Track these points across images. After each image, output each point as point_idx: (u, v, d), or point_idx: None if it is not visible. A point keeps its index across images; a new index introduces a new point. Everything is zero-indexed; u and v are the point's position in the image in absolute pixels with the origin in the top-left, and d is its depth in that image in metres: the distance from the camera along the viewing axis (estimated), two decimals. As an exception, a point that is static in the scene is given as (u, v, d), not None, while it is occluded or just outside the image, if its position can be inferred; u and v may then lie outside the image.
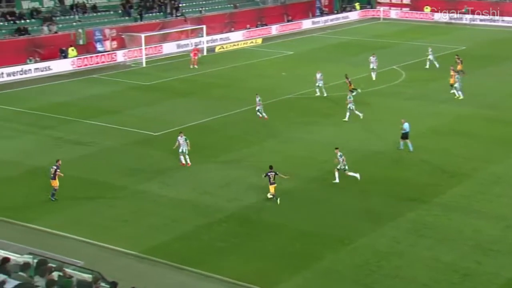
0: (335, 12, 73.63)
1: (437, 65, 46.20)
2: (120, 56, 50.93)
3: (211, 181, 26.77)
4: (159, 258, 20.53)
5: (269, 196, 24.59)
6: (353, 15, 73.78)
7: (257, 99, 34.90)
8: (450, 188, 26.09)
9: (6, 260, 13.41)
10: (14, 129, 33.72)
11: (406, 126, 30.35)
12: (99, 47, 51.02)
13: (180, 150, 28.31)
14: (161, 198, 25.11)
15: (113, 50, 51.05)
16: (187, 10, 60.32)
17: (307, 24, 68.07)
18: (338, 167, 26.43)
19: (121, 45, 52.15)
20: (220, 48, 56.18)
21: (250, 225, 22.92)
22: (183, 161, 28.15)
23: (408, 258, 20.75)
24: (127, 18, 55.58)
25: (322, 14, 71.38)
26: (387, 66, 48.26)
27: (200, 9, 61.57)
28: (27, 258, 14.00)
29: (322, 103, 38.78)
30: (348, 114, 34.46)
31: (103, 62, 49.82)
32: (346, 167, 26.47)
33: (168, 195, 25.35)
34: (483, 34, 62.89)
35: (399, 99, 39.72)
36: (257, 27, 63.60)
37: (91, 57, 49.27)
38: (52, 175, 24.77)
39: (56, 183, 24.62)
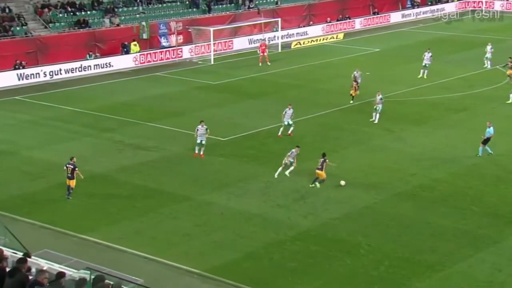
0: (429, 3, 72.26)
1: (489, 66, 45.87)
2: (186, 52, 51.80)
3: (285, 193, 26.78)
4: (225, 278, 20.68)
5: (317, 184, 26.92)
6: (450, 7, 72.18)
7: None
8: None
9: (61, 275, 13.84)
10: (71, 130, 34.89)
11: (490, 130, 29.87)
12: (163, 42, 52.01)
13: (199, 141, 29.49)
14: (229, 210, 25.33)
15: (178, 46, 51.95)
16: (261, 1, 60.72)
17: (396, 17, 67.15)
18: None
19: (188, 40, 52.99)
20: (296, 44, 56.23)
21: (326, 243, 22.78)
22: (197, 151, 29.44)
23: (511, 289, 20.05)
24: (195, 10, 56.52)
25: (413, 5, 70.21)
26: (492, 65, 46.90)
27: (276, 0, 61.85)
28: (83, 274, 14.38)
29: (411, 108, 38.13)
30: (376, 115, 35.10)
31: (167, 58, 50.82)
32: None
33: (236, 208, 25.54)
34: None
35: (502, 103, 38.51)
36: (338, 20, 63.25)
37: (154, 53, 50.34)
38: (69, 174, 25.38)
39: (73, 182, 25.39)
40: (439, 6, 71.91)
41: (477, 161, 29.79)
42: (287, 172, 28.14)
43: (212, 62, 50.32)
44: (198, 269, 21.18)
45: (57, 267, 15.34)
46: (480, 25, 63.41)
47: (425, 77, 43.04)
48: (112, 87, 43.75)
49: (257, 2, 60.06)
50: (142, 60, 49.46)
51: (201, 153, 30.04)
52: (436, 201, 25.95)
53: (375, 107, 35.41)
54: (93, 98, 40.82)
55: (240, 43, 54.88)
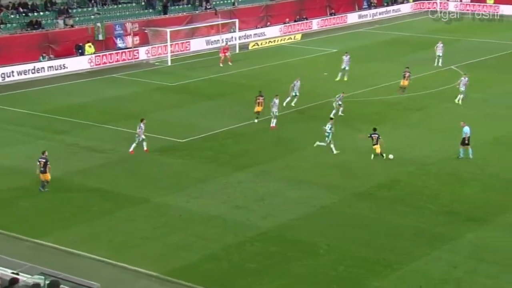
0: (385, 4, 73.28)
1: (440, 64, 47.00)
2: (143, 53, 51.53)
3: (244, 194, 26.85)
4: (183, 280, 20.62)
5: (372, 157, 29.67)
6: (406, 8, 73.37)
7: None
8: (517, 206, 25.66)
9: (14, 281, 13.60)
10: (25, 133, 34.35)
11: (466, 130, 30.12)
12: (119, 43, 51.68)
13: (139, 139, 30.43)
14: (187, 212, 25.26)
15: (135, 47, 51.65)
16: (218, 2, 60.74)
17: (352, 18, 67.94)
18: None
19: (144, 41, 52.73)
20: (254, 45, 56.41)
21: (285, 244, 22.89)
22: (132, 149, 30.63)
23: (466, 286, 20.43)
24: (151, 10, 56.26)
25: (370, 6, 71.12)
26: (445, 66, 47.79)
27: (233, 0, 61.93)
28: (37, 279, 14.17)
29: (370, 108, 38.59)
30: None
31: (124, 60, 50.47)
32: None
33: (195, 209, 25.49)
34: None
35: (455, 103, 39.23)
36: (296, 21, 63.68)
37: (110, 54, 50.00)
38: (42, 168, 25.84)
39: (47, 176, 25.88)
40: (395, 6, 72.99)
41: (434, 160, 30.31)
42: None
43: (169, 63, 50.13)
44: (156, 271, 21.07)
45: (9, 273, 15.08)
46: (435, 26, 64.57)
47: (342, 79, 43.39)
48: (66, 89, 43.23)
49: (214, 3, 60.11)
50: (98, 61, 49.01)
51: (145, 148, 30.93)
52: (394, 200, 26.31)
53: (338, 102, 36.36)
54: (47, 100, 40.28)
55: (198, 44, 54.85)
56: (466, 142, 30.15)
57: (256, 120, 35.56)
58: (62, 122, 35.98)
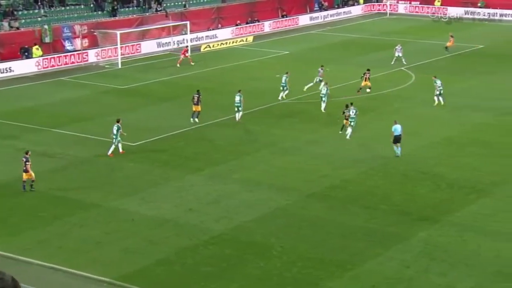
0: (336, 6, 74.14)
1: (404, 62, 48.67)
2: (92, 56, 50.99)
3: (197, 197, 26.82)
4: (136, 285, 20.51)
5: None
6: (356, 10, 74.33)
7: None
8: (467, 205, 26.28)
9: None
10: (-29, 138, 33.65)
11: (396, 128, 30.97)
12: (68, 45, 51.07)
13: (118, 140, 30.63)
14: (140, 216, 25.11)
15: (84, 49, 51.08)
16: (169, 4, 60.55)
17: (304, 20, 68.51)
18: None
19: (94, 44, 52.19)
20: (206, 47, 56.39)
21: (240, 247, 22.97)
22: (111, 152, 30.82)
23: (418, 285, 20.84)
24: (99, 12, 55.73)
25: (321, 9, 71.86)
26: (395, 68, 48.64)
27: (184, 2, 61.80)
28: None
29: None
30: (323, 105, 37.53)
31: (72, 62, 49.85)
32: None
33: (147, 214, 25.36)
34: (504, 31, 63.53)
35: (408, 104, 40.01)
36: (247, 23, 63.91)
37: (58, 57, 49.33)
38: (24, 168, 26.54)
39: (30, 175, 26.60)
40: (346, 9, 73.89)
41: (385, 161, 30.80)
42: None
43: (120, 66, 49.73)
44: (108, 277, 20.89)
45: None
46: (385, 28, 65.61)
47: (284, 97, 42.10)
48: (13, 93, 42.47)
49: (165, 5, 59.85)
50: (46, 64, 48.30)
51: (120, 150, 31.24)
52: (347, 201, 26.64)
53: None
54: (-7, 104, 39.52)
55: (149, 46, 54.55)
56: (398, 140, 30.85)
57: (196, 120, 35.81)
58: (9, 127, 35.36)
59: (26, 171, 26.75)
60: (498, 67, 49.59)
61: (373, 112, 38.45)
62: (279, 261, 22.00)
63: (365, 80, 41.52)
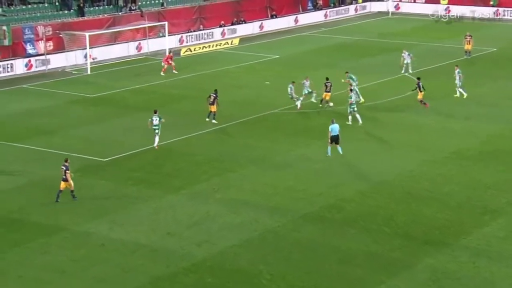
0: (332, 5, 74.56)
1: (410, 70, 48.54)
2: (58, 61, 50.93)
3: (177, 219, 26.75)
4: (107, 319, 20.38)
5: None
6: (355, 9, 74.75)
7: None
8: (479, 227, 26.34)
9: None
10: None
11: (333, 127, 32.89)
12: (29, 49, 51.03)
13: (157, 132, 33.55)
14: (111, 241, 25.00)
15: (48, 53, 51.04)
16: (144, 3, 60.67)
17: (296, 20, 68.78)
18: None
19: (59, 47, 52.20)
20: (186, 51, 56.51)
21: (224, 275, 22.90)
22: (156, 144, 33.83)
23: (427, 316, 20.83)
24: (66, 12, 55.75)
25: (315, 8, 72.25)
26: (398, 73, 48.89)
27: (162, 1, 61.95)
28: None
29: (317, 120, 39.05)
30: (350, 117, 37.73)
31: (35, 68, 49.76)
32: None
33: (120, 238, 25.26)
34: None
35: (413, 114, 40.17)
36: (233, 24, 64.14)
37: (19, 61, 49.16)
38: (63, 177, 27.84)
39: (69, 184, 27.87)
40: (343, 7, 74.29)
41: (387, 177, 30.86)
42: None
43: (89, 72, 49.72)
44: (75, 310, 20.76)
45: None
46: (386, 29, 65.97)
47: (314, 101, 42.84)
48: (-32, 102, 42.39)
49: (140, 3, 59.92)
50: (4, 70, 48.20)
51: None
52: (345, 222, 26.63)
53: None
54: None
55: (122, 50, 54.61)
56: (336, 140, 32.84)
57: (214, 121, 37.78)
58: (-37, 141, 35.23)
59: (65, 180, 27.85)
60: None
61: (373, 123, 38.58)
62: (268, 291, 21.94)
63: (326, 91, 40.77)
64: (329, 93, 40.73)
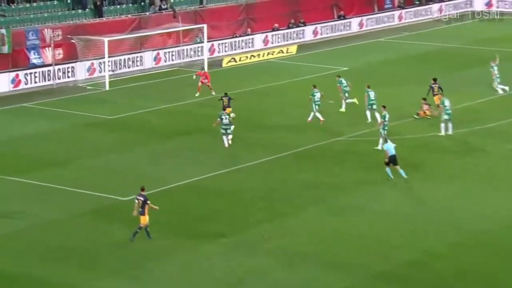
0: (417, 2, 74.29)
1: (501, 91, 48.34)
2: (69, 73, 51.53)
3: (215, 276, 26.69)
4: None
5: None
6: (445, 9, 74.48)
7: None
8: None
9: None
10: None
11: (388, 147, 34.10)
12: (34, 58, 51.68)
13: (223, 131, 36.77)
14: (131, 303, 25.13)
15: (57, 64, 51.69)
16: (178, 0, 60.98)
17: (369, 22, 68.73)
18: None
19: (71, 56, 52.81)
20: (229, 61, 56.79)
21: None
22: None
23: None
24: (80, 11, 56.37)
25: (396, 6, 72.05)
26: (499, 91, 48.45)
27: (200, -2, 62.37)
28: None
29: (397, 150, 38.73)
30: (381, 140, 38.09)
31: (40, 82, 50.43)
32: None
33: (142, 299, 25.36)
34: None
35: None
36: (289, 27, 64.27)
37: (21, 74, 49.87)
38: (140, 209, 28.81)
39: (145, 219, 28.80)
40: (430, 6, 74.02)
41: (491, 227, 30.33)
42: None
43: (108, 87, 50.24)
44: None
45: None
46: (488, 34, 65.52)
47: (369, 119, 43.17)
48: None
49: (172, 1, 60.14)
50: (2, 85, 48.89)
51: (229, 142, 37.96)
52: (432, 285, 26.23)
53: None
54: None
55: (148, 60, 55.02)
56: (394, 161, 33.98)
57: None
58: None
59: (143, 213, 28.87)
60: None
61: (472, 154, 38.18)
62: None
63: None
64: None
